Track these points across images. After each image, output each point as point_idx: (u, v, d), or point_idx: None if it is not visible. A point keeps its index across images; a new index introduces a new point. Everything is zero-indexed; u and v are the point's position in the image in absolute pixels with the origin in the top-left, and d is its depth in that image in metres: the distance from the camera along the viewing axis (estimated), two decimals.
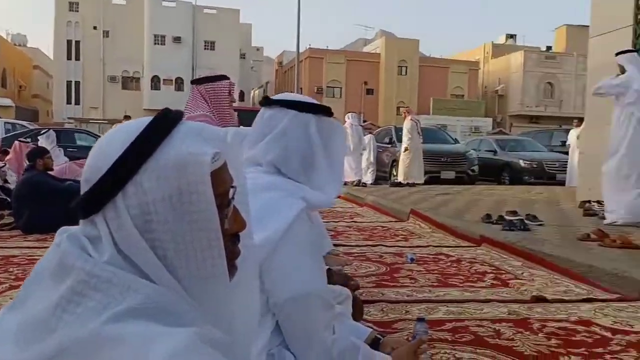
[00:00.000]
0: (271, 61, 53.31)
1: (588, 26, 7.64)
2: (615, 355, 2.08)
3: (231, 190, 0.81)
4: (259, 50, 52.81)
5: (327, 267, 2.28)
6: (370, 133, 13.18)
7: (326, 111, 1.46)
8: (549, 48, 43.91)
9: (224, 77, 3.37)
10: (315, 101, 1.49)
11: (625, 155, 5.18)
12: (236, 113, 3.54)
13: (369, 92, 41.67)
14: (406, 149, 11.21)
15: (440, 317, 2.55)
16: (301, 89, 31.44)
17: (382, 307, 2.66)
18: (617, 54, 5.46)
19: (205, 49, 41.24)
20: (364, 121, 19.10)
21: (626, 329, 2.41)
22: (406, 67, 41.99)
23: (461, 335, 2.27)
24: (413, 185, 10.82)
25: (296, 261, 1.25)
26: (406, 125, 11.41)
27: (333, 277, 2.07)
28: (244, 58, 45.47)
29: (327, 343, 1.26)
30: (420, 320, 2.00)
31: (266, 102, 1.47)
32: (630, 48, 5.49)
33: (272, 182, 1.35)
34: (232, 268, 0.81)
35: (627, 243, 3.91)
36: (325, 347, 1.26)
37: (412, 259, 3.83)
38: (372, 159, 12.34)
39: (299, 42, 23.01)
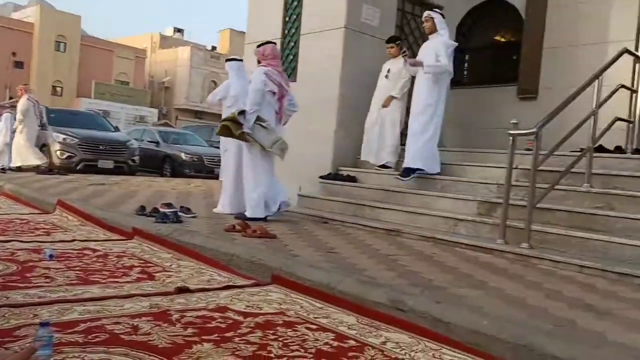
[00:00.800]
0: None
1: None
2: (243, 337, 2.24)
3: None
4: None
5: None
6: (9, 112, 11.41)
7: None
8: (214, 48, 46.39)
9: None
10: None
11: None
12: None
13: (18, 65, 36.55)
14: (20, 131, 10.22)
15: (76, 317, 2.33)
16: None
17: (4, 313, 2.29)
18: (226, 61, 6.20)
19: None
20: (10, 98, 16.60)
21: (256, 311, 2.64)
22: (65, 43, 38.29)
23: (95, 336, 2.11)
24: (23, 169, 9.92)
25: None
26: (21, 104, 10.30)
27: None
28: None
29: None
30: (43, 325, 1.78)
31: None
32: (238, 57, 6.24)
33: None
34: None
35: (264, 233, 4.35)
36: None
37: (51, 256, 3.45)
38: (8, 140, 10.71)
39: None
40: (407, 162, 5.73)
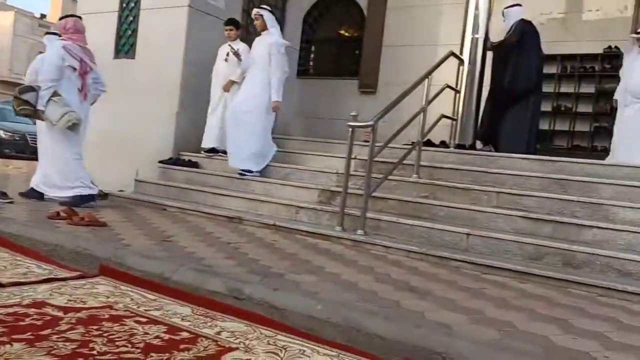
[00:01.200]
0: None
1: None
2: (62, 335, 2.03)
3: None
4: None
5: None
6: None
7: None
8: (43, 16, 42.00)
9: None
10: None
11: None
12: None
13: None
14: None
15: None
16: None
17: None
18: (45, 34, 5.90)
19: None
20: None
21: (79, 305, 2.42)
22: None
23: None
24: None
25: None
26: None
27: None
28: None
29: None
30: None
31: None
32: (54, 31, 5.88)
33: None
34: None
35: (93, 221, 4.02)
36: None
37: None
38: None
39: None
40: (241, 163, 5.69)
